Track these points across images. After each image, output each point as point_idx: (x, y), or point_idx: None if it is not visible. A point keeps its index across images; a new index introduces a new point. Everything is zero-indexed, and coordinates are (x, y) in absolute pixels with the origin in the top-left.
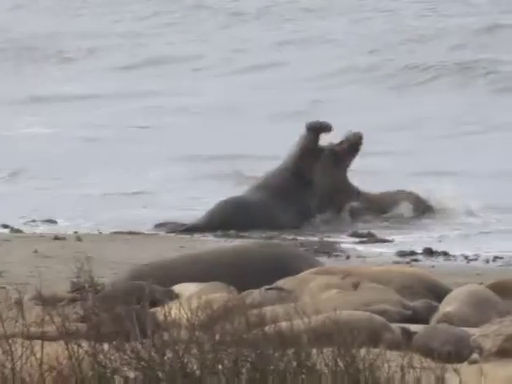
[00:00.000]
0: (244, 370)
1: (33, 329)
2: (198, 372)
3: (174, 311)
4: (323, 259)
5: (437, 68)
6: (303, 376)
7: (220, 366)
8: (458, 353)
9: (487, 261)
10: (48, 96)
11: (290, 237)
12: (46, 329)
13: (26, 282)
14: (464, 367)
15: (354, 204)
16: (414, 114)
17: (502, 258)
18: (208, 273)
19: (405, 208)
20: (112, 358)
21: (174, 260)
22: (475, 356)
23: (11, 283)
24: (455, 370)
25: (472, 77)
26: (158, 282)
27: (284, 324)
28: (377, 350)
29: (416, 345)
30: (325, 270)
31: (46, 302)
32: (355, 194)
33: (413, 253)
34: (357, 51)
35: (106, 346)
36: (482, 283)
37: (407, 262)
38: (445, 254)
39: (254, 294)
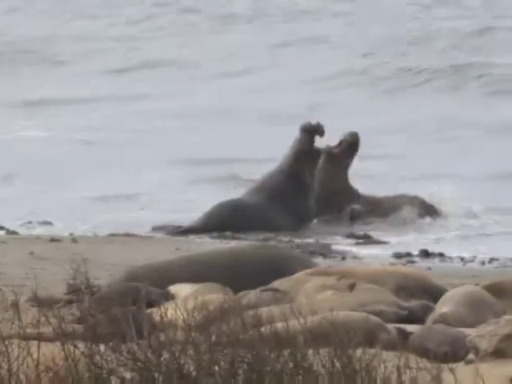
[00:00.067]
0: (240, 371)
1: (29, 330)
2: (194, 373)
3: (170, 312)
4: (319, 261)
5: (430, 71)
6: (300, 377)
7: (216, 367)
8: (454, 353)
9: (483, 262)
10: (43, 99)
11: (286, 239)
12: (42, 330)
13: (22, 284)
14: (460, 367)
15: (357, 207)
16: (408, 116)
17: (497, 259)
18: (204, 274)
19: (410, 212)
20: (108, 359)
21: (169, 262)
22: (471, 356)
23: (7, 285)
24: (451, 371)
25: (465, 79)
26: (153, 283)
27: (280, 325)
28: (373, 351)
29: (412, 345)
30: (320, 271)
31: (42, 303)
32: (356, 196)
33: (409, 254)
34: (351, 54)
35: (102, 347)
36: (477, 284)
37: (403, 264)
38: (441, 255)
39: (250, 295)
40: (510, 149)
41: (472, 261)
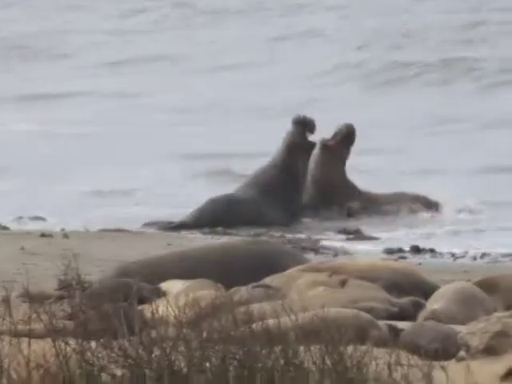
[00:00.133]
0: (231, 368)
1: (20, 326)
2: (185, 369)
3: (162, 309)
4: (310, 256)
5: (422, 64)
6: (291, 373)
7: (207, 364)
8: (445, 350)
9: (474, 258)
10: (37, 93)
11: (278, 234)
12: (33, 326)
13: (12, 280)
14: (451, 364)
15: (353, 205)
16: (402, 111)
17: (489, 254)
18: (195, 270)
19: (416, 209)
20: (99, 355)
21: (161, 257)
22: (462, 353)
23: None
24: (442, 368)
25: (458, 73)
26: (145, 279)
27: (271, 321)
28: (364, 348)
29: (403, 342)
30: (312, 267)
31: (34, 299)
32: (353, 189)
33: (400, 250)
34: (346, 48)
35: (93, 344)
36: (469, 280)
37: (394, 260)
38: (432, 251)
39: (242, 292)
40: (503, 142)
41: (463, 256)
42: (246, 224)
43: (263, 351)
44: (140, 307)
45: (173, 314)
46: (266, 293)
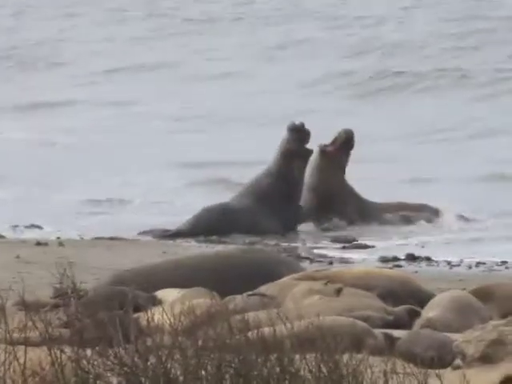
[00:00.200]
0: (227, 376)
1: (15, 334)
2: (181, 378)
3: (157, 317)
4: (306, 265)
5: (413, 74)
6: (286, 382)
7: (203, 372)
8: (441, 358)
9: (470, 266)
10: (33, 102)
11: (273, 242)
12: (28, 334)
13: (8, 288)
14: (447, 373)
15: (355, 211)
16: (393, 119)
17: (484, 263)
18: (190, 278)
19: (417, 218)
20: (95, 363)
21: (156, 265)
22: (458, 362)
23: None
24: (438, 376)
25: (450, 82)
26: (140, 287)
27: (267, 330)
28: (360, 356)
29: (399, 350)
30: (307, 276)
31: (29, 307)
32: (352, 196)
33: (395, 258)
34: (338, 57)
35: (88, 352)
36: (464, 289)
37: (390, 268)
38: (428, 259)
39: (237, 300)
40: (496, 151)
41: (459, 265)
42: (240, 233)
43: (259, 359)
44: (135, 315)
45: (168, 322)
46: (262, 301)
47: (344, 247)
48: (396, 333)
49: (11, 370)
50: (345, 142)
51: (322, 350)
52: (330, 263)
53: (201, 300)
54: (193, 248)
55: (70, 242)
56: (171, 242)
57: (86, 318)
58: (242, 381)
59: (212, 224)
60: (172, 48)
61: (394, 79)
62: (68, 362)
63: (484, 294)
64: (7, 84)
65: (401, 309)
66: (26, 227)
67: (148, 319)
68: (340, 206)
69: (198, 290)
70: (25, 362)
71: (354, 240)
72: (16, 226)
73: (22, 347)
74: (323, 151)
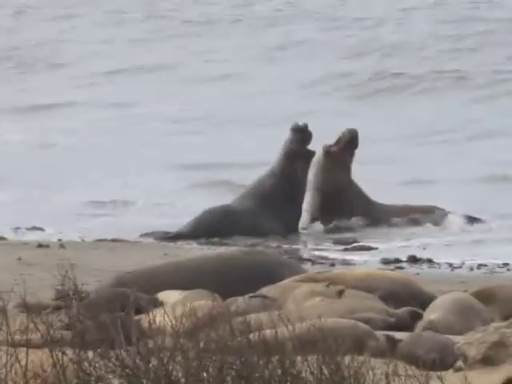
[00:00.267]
0: (229, 378)
1: (17, 336)
2: (182, 379)
3: (159, 319)
4: (307, 267)
5: (413, 76)
6: (288, 383)
7: (205, 374)
8: (443, 360)
9: (472, 268)
10: (33, 103)
11: (274, 244)
12: (30, 336)
13: (9, 290)
14: (449, 375)
15: (361, 211)
16: (392, 121)
17: (486, 265)
18: (192, 280)
19: (423, 220)
20: (97, 365)
21: (157, 267)
22: (460, 364)
23: None
24: (440, 378)
25: (448, 84)
26: (141, 289)
27: (268, 331)
28: (362, 358)
29: (401, 352)
30: (309, 277)
31: (31, 309)
32: (359, 195)
33: (397, 260)
34: (336, 59)
35: (90, 354)
36: (466, 291)
37: (392, 270)
38: (429, 261)
39: (239, 302)
40: (494, 152)
41: (460, 267)
42: (242, 235)
43: (260, 361)
44: (137, 317)
45: (170, 324)
46: (263, 303)
47: (346, 249)
48: (398, 335)
49: (13, 372)
50: (349, 142)
51: (324, 351)
52: (332, 265)
53: (202, 302)
54: (194, 250)
55: (71, 243)
56: (173, 244)
57: (88, 320)
58: (243, 383)
59: (213, 226)
60: (171, 50)
61: (393, 80)
62: (70, 364)
63: (486, 296)
64: (7, 85)
65: (403, 311)
66: (28, 229)
67: (149, 321)
68: (346, 207)
69: (199, 292)
70: (26, 364)
71: (356, 242)
72: (17, 228)
73: (24, 349)
74: (328, 151)
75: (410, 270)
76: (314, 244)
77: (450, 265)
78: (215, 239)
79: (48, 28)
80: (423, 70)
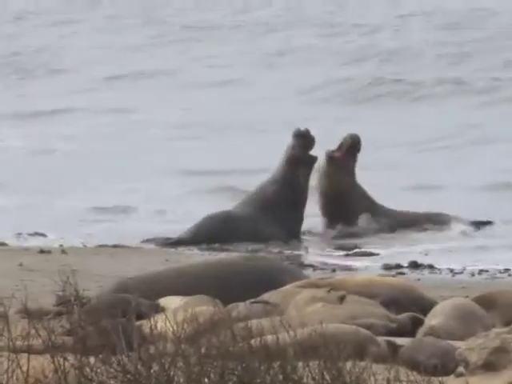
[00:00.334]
0: (230, 383)
1: (19, 342)
2: None
3: (160, 324)
4: (309, 272)
5: (411, 82)
6: None
7: (206, 379)
8: (444, 366)
9: (473, 274)
10: (34, 109)
11: (276, 250)
12: (31, 342)
13: (11, 296)
14: (450, 380)
15: (367, 216)
16: (393, 127)
17: (487, 271)
18: (193, 286)
19: (429, 228)
20: (98, 371)
21: (158, 273)
22: (461, 369)
23: None
24: None
25: (447, 90)
26: (142, 295)
27: (270, 337)
28: (363, 364)
29: (402, 358)
30: (310, 283)
31: (32, 315)
32: (364, 199)
33: (398, 266)
34: (336, 64)
35: (92, 359)
36: (467, 296)
37: (393, 276)
38: (430, 267)
39: (240, 308)
40: (495, 158)
41: (461, 272)
42: (242, 241)
43: (262, 367)
44: (138, 323)
45: (171, 329)
46: (265, 309)
47: (347, 255)
48: (399, 340)
49: (14, 377)
50: (351, 147)
51: (325, 357)
52: (333, 271)
53: (204, 307)
54: (195, 256)
55: (73, 249)
56: (174, 249)
57: (89, 326)
58: None
59: (213, 232)
60: (171, 55)
61: (392, 87)
62: (71, 370)
63: (487, 302)
64: (7, 91)
65: (404, 316)
66: (30, 235)
67: (151, 327)
68: (350, 210)
69: (200, 298)
70: (28, 369)
71: (358, 247)
72: (19, 234)
73: (25, 355)
74: (331, 157)
75: (411, 276)
76: (316, 250)
77: (451, 270)
78: (216, 245)
79: (48, 34)
80: (422, 75)
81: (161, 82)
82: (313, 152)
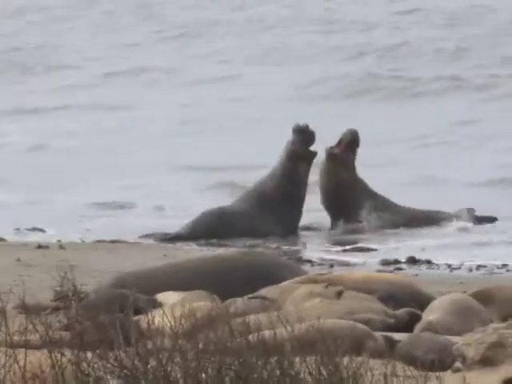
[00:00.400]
0: (227, 379)
1: (16, 337)
2: (181, 380)
3: (158, 319)
4: (306, 268)
5: (411, 78)
6: None
7: (203, 375)
8: (442, 361)
9: (470, 269)
10: (33, 106)
11: (274, 245)
12: (29, 337)
13: (8, 291)
14: (447, 376)
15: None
16: (393, 123)
17: (485, 266)
18: (191, 281)
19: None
20: (95, 366)
21: (156, 268)
22: (458, 364)
23: None
24: (438, 379)
25: (446, 87)
26: (140, 290)
27: (267, 332)
28: (360, 359)
29: (399, 353)
30: (308, 279)
31: (30, 310)
32: (366, 193)
33: (396, 261)
34: (335, 61)
35: (89, 355)
36: (465, 292)
37: (391, 271)
38: (428, 262)
39: (238, 303)
40: (495, 155)
41: (459, 268)
42: (239, 236)
43: (259, 362)
44: (136, 318)
45: (169, 324)
46: (262, 304)
47: (345, 250)
48: (396, 336)
49: (11, 372)
50: (350, 142)
51: (323, 352)
52: (331, 266)
53: (201, 303)
54: (193, 251)
55: (71, 244)
56: (172, 245)
57: (87, 321)
58: (242, 383)
59: (210, 228)
60: (171, 51)
61: (391, 83)
62: (68, 365)
63: (484, 297)
64: (7, 87)
65: (401, 312)
66: (29, 230)
67: (148, 322)
68: (351, 204)
69: (198, 293)
70: (25, 364)
71: (355, 243)
72: (18, 230)
73: (23, 350)
74: (330, 153)
75: (409, 271)
76: (314, 245)
77: (449, 266)
78: (214, 240)
79: (48, 30)
80: (421, 72)
81: (160, 78)
82: (312, 147)
